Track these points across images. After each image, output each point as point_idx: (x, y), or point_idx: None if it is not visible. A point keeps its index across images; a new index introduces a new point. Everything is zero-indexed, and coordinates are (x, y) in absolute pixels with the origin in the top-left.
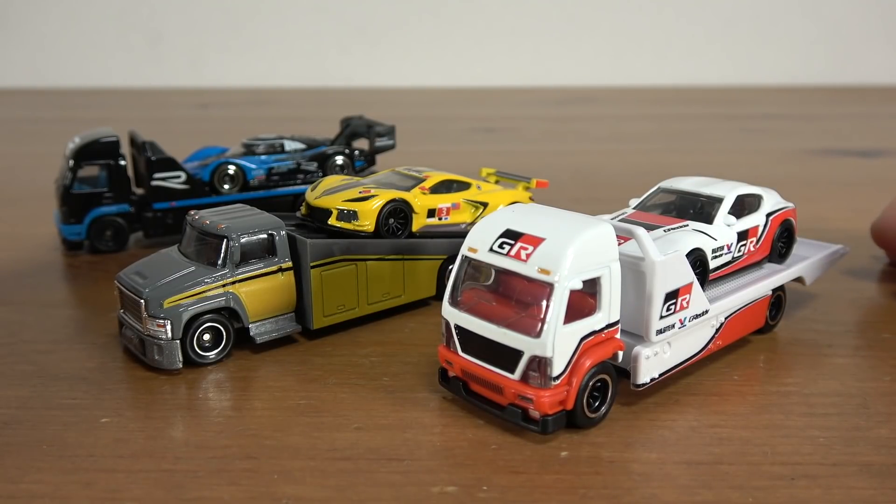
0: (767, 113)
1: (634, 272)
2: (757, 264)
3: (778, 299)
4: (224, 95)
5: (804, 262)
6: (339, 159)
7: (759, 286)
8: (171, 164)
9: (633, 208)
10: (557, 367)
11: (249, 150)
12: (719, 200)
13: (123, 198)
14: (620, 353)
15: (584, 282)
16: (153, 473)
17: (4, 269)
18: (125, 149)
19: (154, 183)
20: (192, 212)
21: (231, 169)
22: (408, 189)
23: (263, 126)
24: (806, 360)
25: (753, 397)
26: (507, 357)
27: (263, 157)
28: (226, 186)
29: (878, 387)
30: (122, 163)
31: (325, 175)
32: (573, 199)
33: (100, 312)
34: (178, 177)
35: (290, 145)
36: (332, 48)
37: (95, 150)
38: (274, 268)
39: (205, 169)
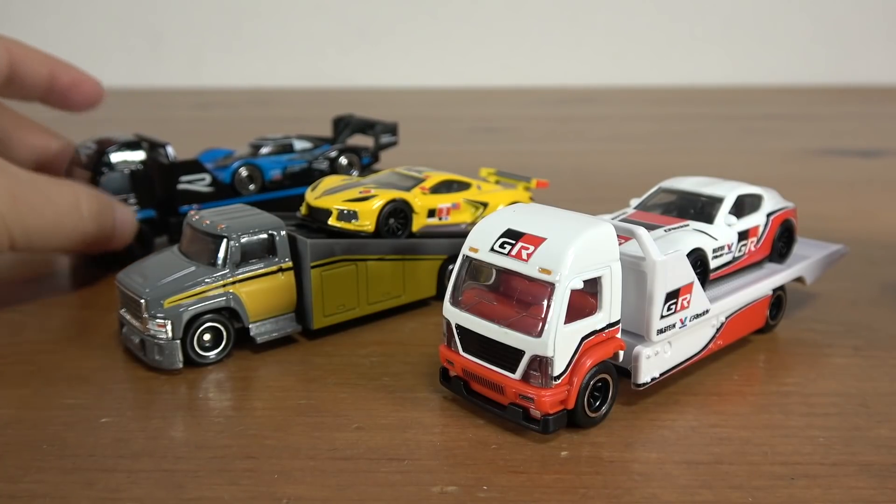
0: (768, 113)
1: (635, 272)
2: (757, 264)
3: (778, 299)
4: (224, 95)
5: (804, 261)
6: (345, 158)
7: (759, 286)
8: (195, 167)
9: (634, 208)
10: (558, 367)
11: (257, 151)
12: (720, 200)
13: (148, 203)
14: (621, 353)
15: (585, 281)
16: (153, 473)
17: (5, 269)
18: (144, 153)
19: (180, 186)
20: (193, 212)
21: (250, 170)
22: (408, 189)
23: (263, 126)
24: (806, 360)
25: (753, 397)
26: (508, 357)
27: (284, 157)
28: (251, 187)
29: (878, 387)
30: (146, 168)
31: (333, 173)
32: (573, 199)
33: (100, 312)
34: (203, 179)
35: (298, 144)
36: (332, 48)
37: (117, 155)
38: (274, 268)
39: (224, 171)
